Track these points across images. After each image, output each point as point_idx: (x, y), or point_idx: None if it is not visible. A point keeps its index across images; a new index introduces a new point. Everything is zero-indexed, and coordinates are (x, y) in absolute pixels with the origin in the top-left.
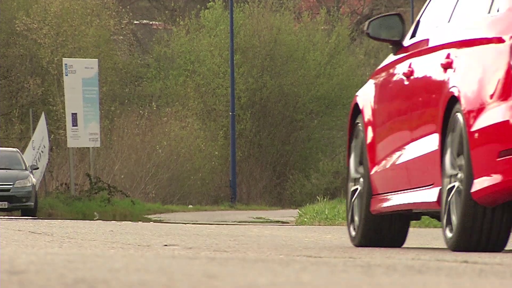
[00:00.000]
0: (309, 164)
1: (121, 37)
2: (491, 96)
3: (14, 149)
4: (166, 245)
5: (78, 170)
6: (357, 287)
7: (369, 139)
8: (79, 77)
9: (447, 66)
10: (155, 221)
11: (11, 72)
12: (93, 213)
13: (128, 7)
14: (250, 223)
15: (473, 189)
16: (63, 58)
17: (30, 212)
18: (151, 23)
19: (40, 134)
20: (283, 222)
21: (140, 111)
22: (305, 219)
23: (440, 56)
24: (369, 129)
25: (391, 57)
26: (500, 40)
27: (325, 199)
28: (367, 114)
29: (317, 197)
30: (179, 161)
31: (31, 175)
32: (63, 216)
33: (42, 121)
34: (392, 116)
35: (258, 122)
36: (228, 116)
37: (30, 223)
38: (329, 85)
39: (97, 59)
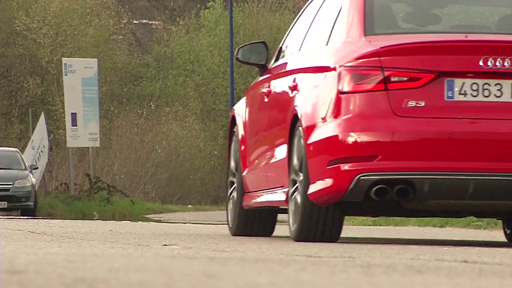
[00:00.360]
0: None
1: (121, 37)
2: (324, 115)
3: (13, 149)
4: (165, 245)
5: (77, 170)
6: (356, 287)
7: (242, 146)
8: (79, 77)
9: (293, 88)
10: (154, 220)
11: (10, 72)
12: (92, 213)
13: (127, 6)
14: None
15: (310, 191)
16: (63, 58)
17: (29, 212)
18: (150, 22)
19: (40, 134)
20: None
21: (139, 111)
22: None
23: (289, 80)
24: (242, 137)
25: (259, 78)
26: (332, 69)
27: None
28: (240, 125)
29: None
30: (179, 160)
31: (31, 175)
32: (62, 215)
33: (42, 121)
34: (257, 127)
35: None
36: (227, 116)
37: (30, 222)
38: None
39: (96, 59)
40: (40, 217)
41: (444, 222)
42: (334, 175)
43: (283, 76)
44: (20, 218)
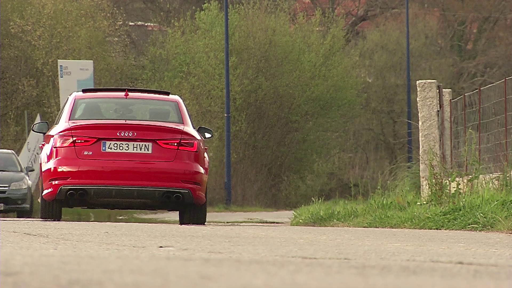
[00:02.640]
0: (304, 166)
1: (116, 39)
2: (48, 158)
3: (9, 151)
4: (161, 247)
5: None
6: None
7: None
8: (74, 79)
9: (45, 143)
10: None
11: (5, 74)
12: (88, 215)
13: (122, 8)
14: (244, 223)
15: (43, 194)
16: (58, 60)
17: (25, 214)
18: (146, 24)
19: (35, 136)
20: (277, 223)
21: None
22: (300, 220)
23: (47, 140)
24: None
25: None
26: (52, 136)
27: (320, 200)
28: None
29: (312, 198)
30: None
31: (27, 177)
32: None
33: (37, 122)
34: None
35: (253, 124)
36: (223, 118)
37: (25, 224)
38: (324, 86)
39: (92, 61)
40: (35, 219)
41: (439, 225)
42: (51, 186)
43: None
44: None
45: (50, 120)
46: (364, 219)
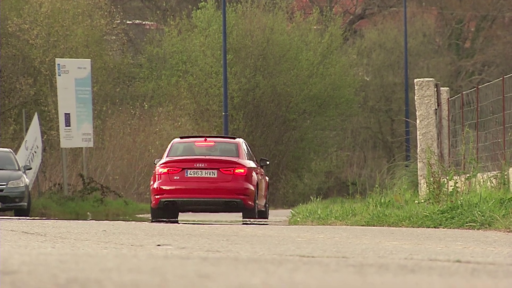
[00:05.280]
0: (301, 164)
1: (113, 37)
2: (154, 179)
3: (7, 150)
4: (159, 245)
5: (71, 170)
6: (349, 287)
7: None
8: (72, 77)
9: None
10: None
11: (3, 73)
12: (86, 213)
13: (119, 6)
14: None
15: (152, 203)
16: (56, 58)
17: (23, 212)
18: (143, 23)
19: (33, 134)
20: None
21: (132, 111)
22: (298, 219)
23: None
24: None
25: None
26: (157, 166)
27: (318, 199)
28: None
29: (310, 197)
30: None
31: (24, 176)
32: (56, 216)
33: (35, 121)
34: None
35: (251, 122)
36: (221, 116)
37: (23, 223)
38: (321, 85)
39: (89, 59)
40: (33, 218)
41: (437, 223)
42: (155, 199)
43: (154, 168)
44: (13, 219)
45: (47, 119)
46: (362, 217)
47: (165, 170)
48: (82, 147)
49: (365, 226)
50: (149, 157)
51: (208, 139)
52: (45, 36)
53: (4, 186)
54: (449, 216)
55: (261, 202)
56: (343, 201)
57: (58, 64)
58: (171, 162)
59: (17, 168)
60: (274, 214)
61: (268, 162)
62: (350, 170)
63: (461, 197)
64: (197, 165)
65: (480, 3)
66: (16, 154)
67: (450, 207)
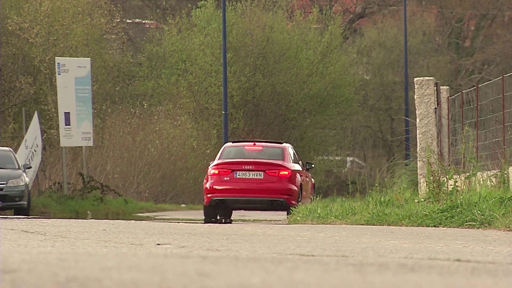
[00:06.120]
0: None
1: (113, 36)
2: (206, 180)
3: (7, 148)
4: (159, 244)
5: (70, 169)
6: (349, 285)
7: None
8: (72, 76)
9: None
10: (148, 217)
11: (3, 72)
12: (86, 212)
13: (119, 5)
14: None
15: (204, 202)
16: (56, 57)
17: (23, 211)
18: (143, 22)
19: (33, 133)
20: (275, 221)
21: (131, 110)
22: (298, 218)
23: None
24: None
25: None
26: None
27: (318, 198)
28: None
29: (310, 195)
30: (171, 160)
31: (24, 174)
32: (56, 215)
33: (35, 120)
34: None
35: (251, 121)
36: (220, 115)
37: (23, 222)
38: (321, 83)
39: (89, 58)
40: (33, 217)
41: (437, 222)
42: (207, 198)
43: (207, 170)
44: (13, 218)
45: (47, 118)
46: (361, 216)
47: (216, 171)
48: (82, 146)
49: (365, 225)
50: (148, 155)
51: (257, 143)
52: (45, 35)
53: (4, 185)
54: (449, 215)
55: (306, 201)
56: (343, 200)
57: (58, 63)
58: (222, 164)
59: (17, 167)
60: (274, 213)
61: (313, 165)
62: (350, 169)
63: (461, 196)
64: (245, 167)
65: (480, 1)
66: (16, 153)
67: (450, 206)
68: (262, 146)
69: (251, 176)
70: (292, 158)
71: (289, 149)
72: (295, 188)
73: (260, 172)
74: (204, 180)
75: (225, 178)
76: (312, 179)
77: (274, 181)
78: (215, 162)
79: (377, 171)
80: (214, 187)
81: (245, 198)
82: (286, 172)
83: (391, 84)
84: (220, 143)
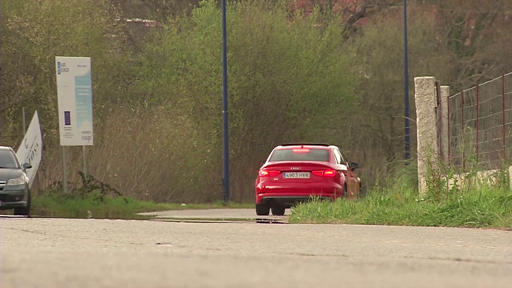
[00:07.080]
0: None
1: (113, 35)
2: (257, 180)
3: (7, 148)
4: (159, 243)
5: (70, 168)
6: (349, 285)
7: None
8: (72, 75)
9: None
10: (148, 216)
11: (3, 71)
12: (86, 211)
13: (119, 4)
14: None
15: (256, 201)
16: (56, 57)
17: (23, 211)
18: (143, 21)
19: (33, 132)
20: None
21: (131, 109)
22: (298, 217)
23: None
24: None
25: None
26: (260, 169)
27: (318, 197)
28: None
29: (310, 195)
30: (172, 159)
31: (24, 174)
32: (56, 214)
33: (35, 119)
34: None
35: (251, 120)
36: (220, 114)
37: (23, 221)
38: (321, 83)
39: (89, 58)
40: (33, 216)
41: (437, 222)
42: (259, 197)
43: (258, 171)
44: (13, 217)
45: (47, 117)
46: (361, 216)
47: (266, 172)
48: (82, 145)
49: (365, 224)
50: (148, 155)
51: (304, 146)
52: (45, 34)
53: (4, 184)
54: (449, 214)
55: (351, 199)
56: (343, 199)
57: (58, 62)
58: (271, 166)
59: (17, 166)
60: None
61: (358, 165)
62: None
63: (461, 195)
64: (293, 168)
65: (480, 1)
66: (16, 152)
67: (450, 205)
68: (309, 149)
69: (298, 176)
70: (338, 159)
71: (335, 150)
72: (340, 186)
73: (306, 173)
74: (256, 181)
75: (275, 179)
76: (358, 178)
77: (319, 180)
78: (265, 164)
79: (377, 170)
80: (264, 187)
81: (292, 196)
82: (331, 172)
83: (391, 83)
84: (220, 142)
